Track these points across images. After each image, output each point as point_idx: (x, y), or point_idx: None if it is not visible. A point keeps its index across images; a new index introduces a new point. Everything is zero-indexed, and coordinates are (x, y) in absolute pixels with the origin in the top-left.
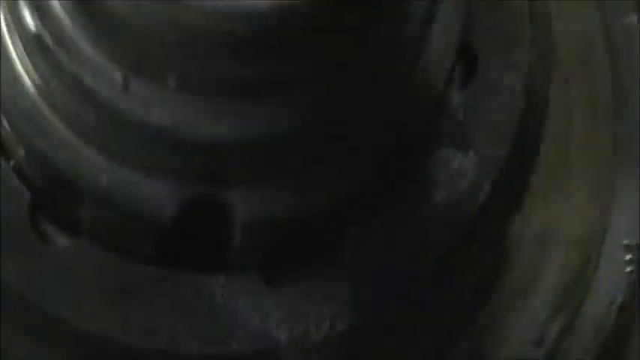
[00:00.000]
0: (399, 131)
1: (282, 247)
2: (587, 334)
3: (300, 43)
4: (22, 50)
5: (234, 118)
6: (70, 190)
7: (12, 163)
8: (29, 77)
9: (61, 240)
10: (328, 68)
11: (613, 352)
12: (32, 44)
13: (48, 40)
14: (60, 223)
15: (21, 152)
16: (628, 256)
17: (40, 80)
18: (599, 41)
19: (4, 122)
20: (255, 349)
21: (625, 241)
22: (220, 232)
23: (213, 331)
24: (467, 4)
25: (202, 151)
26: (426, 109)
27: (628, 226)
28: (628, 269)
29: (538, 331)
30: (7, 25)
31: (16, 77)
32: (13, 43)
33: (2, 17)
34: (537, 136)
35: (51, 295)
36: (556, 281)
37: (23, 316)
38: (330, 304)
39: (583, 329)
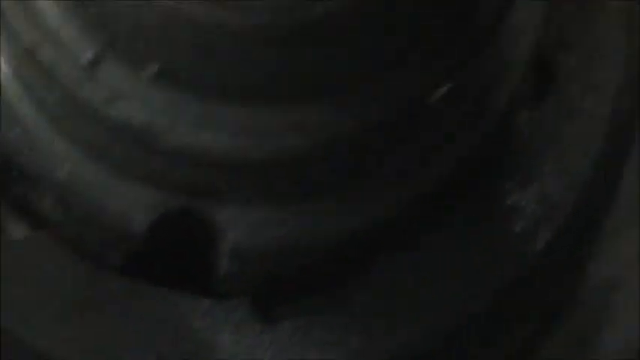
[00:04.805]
0: (437, 154)
1: (280, 277)
2: None
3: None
4: None
5: (224, 126)
6: (25, 174)
7: None
8: None
9: (19, 230)
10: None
11: None
12: None
13: None
14: (20, 209)
15: None
16: None
17: None
18: None
19: None
20: None
21: None
22: (205, 256)
23: None
24: (548, 12)
25: (184, 160)
26: (485, 131)
27: None
28: None
29: None
30: None
31: None
32: None
33: None
34: (617, 176)
35: None
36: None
37: None
38: (332, 351)
39: None
